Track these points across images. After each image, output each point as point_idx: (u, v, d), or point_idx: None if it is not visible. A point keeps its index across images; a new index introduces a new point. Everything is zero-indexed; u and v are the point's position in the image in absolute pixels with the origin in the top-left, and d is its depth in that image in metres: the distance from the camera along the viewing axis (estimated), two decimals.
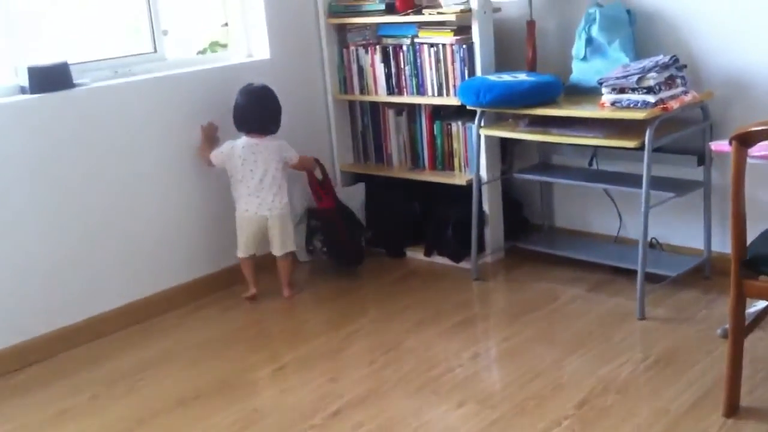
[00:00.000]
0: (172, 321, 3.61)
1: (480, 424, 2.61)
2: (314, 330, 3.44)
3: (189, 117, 3.68)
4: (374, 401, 2.82)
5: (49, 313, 3.35)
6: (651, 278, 3.41)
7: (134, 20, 3.81)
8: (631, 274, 3.41)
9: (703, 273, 3.57)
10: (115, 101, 3.47)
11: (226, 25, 4.15)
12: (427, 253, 4.05)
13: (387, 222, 4.17)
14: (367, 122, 4.29)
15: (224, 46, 4.20)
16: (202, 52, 4.25)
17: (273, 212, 3.64)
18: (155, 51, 3.76)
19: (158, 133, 3.61)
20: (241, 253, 3.71)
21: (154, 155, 3.61)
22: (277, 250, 3.71)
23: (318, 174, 3.90)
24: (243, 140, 3.63)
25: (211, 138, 3.73)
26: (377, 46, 4.04)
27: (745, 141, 2.41)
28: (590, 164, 3.82)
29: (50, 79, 3.27)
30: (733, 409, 2.53)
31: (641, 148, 3.18)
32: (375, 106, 4.22)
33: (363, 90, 4.16)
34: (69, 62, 3.36)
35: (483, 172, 3.80)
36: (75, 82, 3.36)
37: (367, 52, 4.08)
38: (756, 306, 2.80)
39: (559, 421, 2.59)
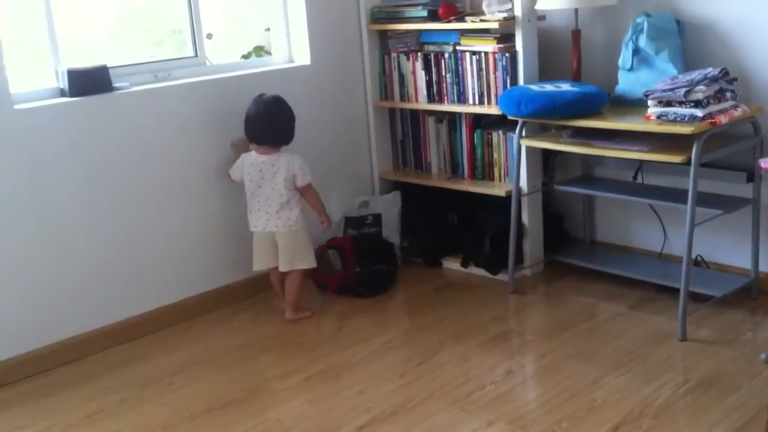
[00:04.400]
0: (205, 326, 3.60)
1: None
2: (346, 340, 3.39)
3: (228, 121, 3.66)
4: (402, 416, 2.76)
5: (82, 315, 3.36)
6: (695, 297, 3.30)
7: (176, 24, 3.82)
8: (674, 292, 3.30)
9: (750, 293, 3.45)
10: (154, 105, 3.47)
11: (269, 29, 4.14)
12: (464, 264, 3.99)
13: (424, 231, 4.11)
14: (406, 130, 4.24)
15: (268, 52, 4.19)
16: (246, 56, 4.25)
17: (280, 229, 3.51)
18: (196, 55, 3.75)
19: (197, 137, 3.61)
20: (255, 266, 3.61)
21: (193, 159, 3.60)
22: (281, 266, 3.57)
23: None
24: (252, 155, 3.52)
25: (243, 151, 3.62)
26: (419, 53, 3.99)
27: None
28: (635, 178, 3.71)
29: (90, 82, 3.29)
30: None
31: (688, 163, 3.08)
32: (415, 113, 4.17)
33: (403, 97, 4.11)
34: (108, 66, 3.37)
35: (523, 184, 3.73)
36: (114, 85, 3.37)
37: (408, 59, 4.04)
38: None
39: None
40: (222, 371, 3.18)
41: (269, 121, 3.48)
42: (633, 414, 2.66)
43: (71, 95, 3.26)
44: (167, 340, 3.48)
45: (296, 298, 3.60)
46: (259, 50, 4.29)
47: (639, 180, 3.71)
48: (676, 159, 3.11)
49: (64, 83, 3.28)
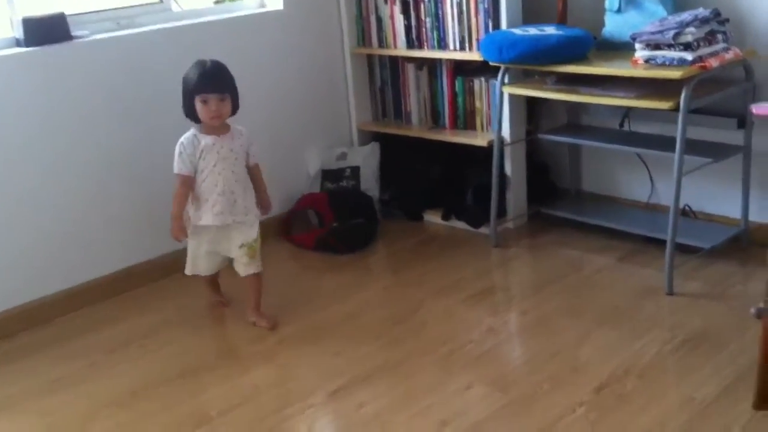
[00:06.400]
0: (176, 286, 3.45)
1: (488, 408, 2.44)
2: (323, 298, 3.26)
3: None
4: (378, 379, 2.65)
5: (45, 277, 3.22)
6: (684, 249, 3.19)
7: None
8: (662, 244, 3.17)
9: (739, 244, 3.34)
10: (117, 54, 3.30)
11: None
12: (446, 218, 3.86)
13: (405, 184, 3.97)
14: (385, 78, 4.07)
15: None
16: (220, 1, 4.05)
17: None
18: (161, 1, 3.56)
19: (164, 88, 3.42)
20: None
21: (159, 111, 3.43)
22: None
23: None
24: None
25: None
26: None
27: None
28: (621, 125, 3.57)
29: (46, 31, 3.10)
30: (763, 400, 2.30)
31: (677, 109, 2.93)
32: (394, 60, 4.00)
33: (382, 43, 3.93)
34: (67, 13, 3.19)
35: (506, 133, 3.58)
36: (73, 34, 3.19)
37: (386, 2, 3.85)
38: None
39: (574, 408, 2.40)
40: (193, 334, 3.06)
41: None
42: (617, 373, 2.56)
43: (27, 45, 3.08)
44: (135, 303, 3.35)
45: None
46: None
47: (626, 128, 3.57)
48: (665, 105, 2.97)
49: (19, 32, 3.10)
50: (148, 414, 2.58)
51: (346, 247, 3.65)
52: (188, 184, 2.92)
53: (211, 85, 2.86)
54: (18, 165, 3.10)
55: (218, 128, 2.93)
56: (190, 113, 2.91)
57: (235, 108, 2.95)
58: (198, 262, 3.07)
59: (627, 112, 3.50)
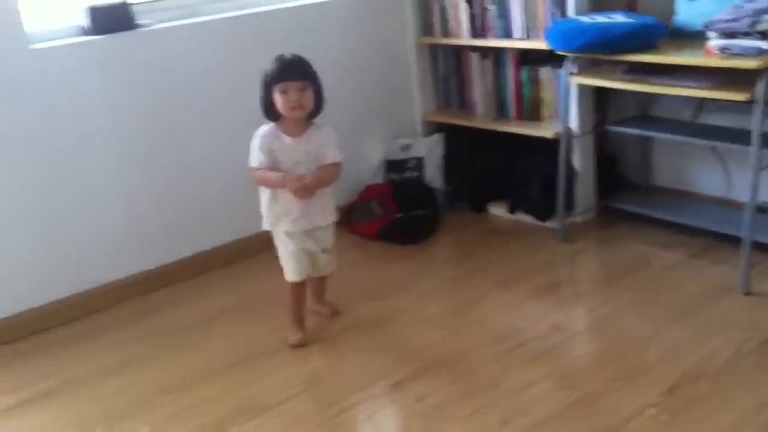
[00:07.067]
0: (238, 273, 3.47)
1: (551, 407, 2.36)
2: (386, 288, 3.22)
3: (259, 60, 3.45)
4: (439, 372, 2.59)
5: (116, 259, 3.27)
6: (760, 247, 3.05)
7: None
8: (737, 241, 3.05)
9: None
10: (180, 43, 3.30)
11: None
12: (511, 210, 3.77)
13: (469, 175, 3.90)
14: (450, 68, 4.00)
15: None
16: None
17: None
18: None
19: (229, 77, 3.43)
20: None
21: (224, 100, 3.43)
22: None
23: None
24: None
25: None
26: None
27: None
28: (695, 117, 3.44)
29: (112, 19, 3.12)
30: None
31: (753, 101, 2.81)
32: (458, 50, 3.92)
33: (446, 33, 3.86)
34: (131, 1, 3.20)
35: (573, 125, 3.48)
36: (137, 22, 3.20)
37: None
38: None
39: (643, 410, 2.30)
40: (256, 320, 3.05)
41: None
42: (690, 374, 2.45)
43: (93, 33, 3.10)
44: (201, 288, 3.37)
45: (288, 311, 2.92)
46: None
47: (699, 119, 3.44)
48: (740, 96, 2.83)
49: (85, 21, 3.12)
50: (209, 399, 2.58)
51: (407, 237, 3.60)
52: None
53: (290, 73, 2.65)
54: (84, 153, 3.13)
55: (298, 126, 2.72)
56: (269, 111, 2.70)
57: (318, 103, 2.72)
58: (288, 266, 2.85)
59: (701, 103, 3.37)
